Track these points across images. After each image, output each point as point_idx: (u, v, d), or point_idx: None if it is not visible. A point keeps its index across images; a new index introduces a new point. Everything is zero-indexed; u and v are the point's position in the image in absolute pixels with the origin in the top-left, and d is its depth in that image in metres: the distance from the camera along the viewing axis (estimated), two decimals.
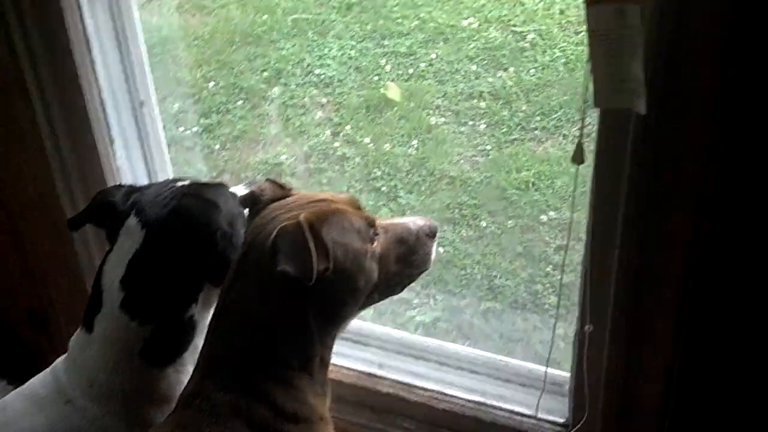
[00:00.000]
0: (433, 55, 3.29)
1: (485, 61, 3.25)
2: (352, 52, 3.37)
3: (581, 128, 1.07)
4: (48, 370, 1.36)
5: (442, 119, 3.12)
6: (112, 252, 1.31)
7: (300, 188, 1.30)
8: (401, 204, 2.83)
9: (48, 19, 1.42)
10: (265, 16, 3.54)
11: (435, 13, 3.43)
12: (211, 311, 1.28)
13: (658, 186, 1.12)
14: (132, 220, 1.30)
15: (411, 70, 3.27)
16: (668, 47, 0.99)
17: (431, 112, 3.14)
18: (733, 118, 1.03)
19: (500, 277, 2.63)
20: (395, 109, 3.14)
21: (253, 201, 1.26)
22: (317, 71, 3.32)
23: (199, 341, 1.29)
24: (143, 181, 1.62)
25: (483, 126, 3.07)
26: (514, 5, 3.40)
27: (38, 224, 1.65)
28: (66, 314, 1.74)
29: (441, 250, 2.67)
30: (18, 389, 1.36)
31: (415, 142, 3.04)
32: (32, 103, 1.45)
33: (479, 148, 3.02)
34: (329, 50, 3.39)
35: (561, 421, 1.49)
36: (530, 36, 3.28)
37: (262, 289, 1.16)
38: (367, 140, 3.04)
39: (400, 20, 3.43)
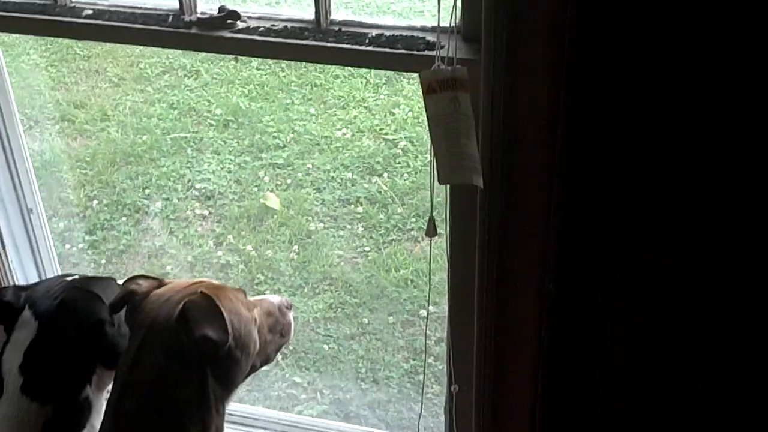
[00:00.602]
0: (310, 165, 3.50)
1: (360, 168, 3.48)
2: (231, 166, 3.54)
3: (431, 204, 1.26)
4: None
5: (321, 224, 3.30)
6: (9, 342, 1.42)
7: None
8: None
9: None
10: (145, 137, 3.69)
11: (309, 126, 3.66)
12: (105, 392, 1.40)
13: (507, 254, 1.32)
14: (26, 313, 1.41)
15: (289, 180, 3.46)
16: (503, 128, 1.20)
17: (310, 218, 3.32)
18: (565, 188, 1.23)
19: (384, 370, 2.77)
20: (275, 217, 3.31)
21: (130, 296, 1.38)
22: (198, 185, 3.47)
23: (96, 420, 1.39)
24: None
25: (361, 229, 3.26)
26: (385, 116, 3.67)
27: None
28: None
29: (326, 347, 2.82)
30: None
31: (296, 247, 3.20)
32: None
33: (358, 249, 3.20)
34: (208, 165, 3.56)
35: None
36: (402, 143, 3.54)
37: (169, 362, 1.28)
38: (249, 247, 3.18)
39: (275, 134, 3.65)
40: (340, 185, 3.41)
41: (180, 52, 4.01)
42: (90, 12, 1.41)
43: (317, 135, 3.61)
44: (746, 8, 1.04)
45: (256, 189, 3.44)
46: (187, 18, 1.36)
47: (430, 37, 1.26)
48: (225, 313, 1.27)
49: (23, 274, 1.70)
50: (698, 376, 1.33)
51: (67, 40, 4.02)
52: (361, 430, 1.95)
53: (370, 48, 1.28)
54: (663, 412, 1.37)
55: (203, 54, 3.96)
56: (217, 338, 1.26)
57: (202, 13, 1.36)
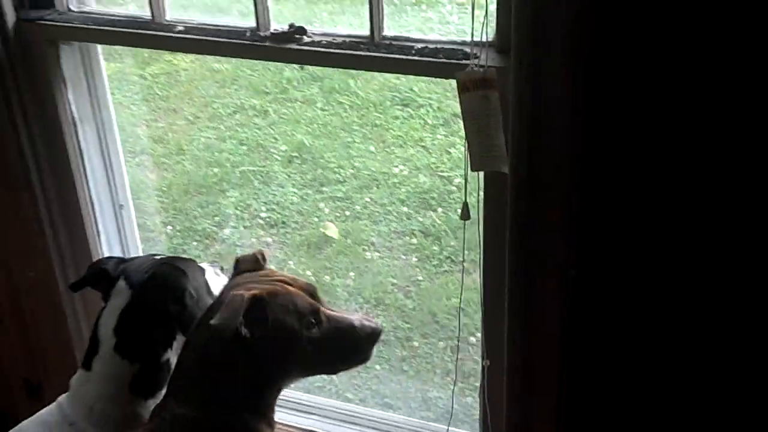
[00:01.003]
0: (368, 199, 3.75)
1: (415, 203, 3.71)
2: (294, 198, 3.82)
3: (464, 189, 1.49)
4: (53, 404, 1.68)
5: (377, 254, 3.53)
6: (105, 308, 1.67)
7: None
8: None
9: (52, 136, 1.83)
10: (216, 169, 3.99)
11: (368, 162, 3.92)
12: None
13: (532, 237, 1.53)
14: (121, 283, 1.66)
15: (348, 212, 3.71)
16: (528, 120, 1.43)
17: (367, 248, 3.56)
18: (587, 177, 1.44)
19: (433, 391, 2.96)
20: (334, 245, 3.55)
21: (235, 267, 1.62)
22: (263, 215, 3.75)
23: None
24: None
25: (415, 259, 3.48)
26: (441, 155, 3.91)
27: (39, 302, 2.00)
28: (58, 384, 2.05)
29: (378, 367, 3.02)
30: (29, 419, 1.68)
31: (352, 273, 3.43)
32: (37, 200, 1.84)
33: (412, 279, 3.42)
34: (273, 196, 3.84)
35: None
36: (457, 180, 3.76)
37: (208, 339, 1.49)
38: (309, 273, 3.43)
39: (336, 169, 3.92)
40: (396, 218, 3.64)
41: (252, 92, 4.35)
42: (182, 28, 1.69)
43: (376, 171, 3.86)
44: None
45: (316, 219, 3.70)
46: (262, 33, 1.63)
47: (468, 49, 1.50)
48: (240, 315, 1.42)
49: None
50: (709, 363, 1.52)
51: (148, 81, 4.39)
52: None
53: (416, 58, 1.53)
54: (677, 382, 1.56)
55: (272, 95, 4.29)
56: (220, 326, 1.42)
57: (274, 30, 1.63)
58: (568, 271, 1.51)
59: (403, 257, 3.52)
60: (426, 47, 1.54)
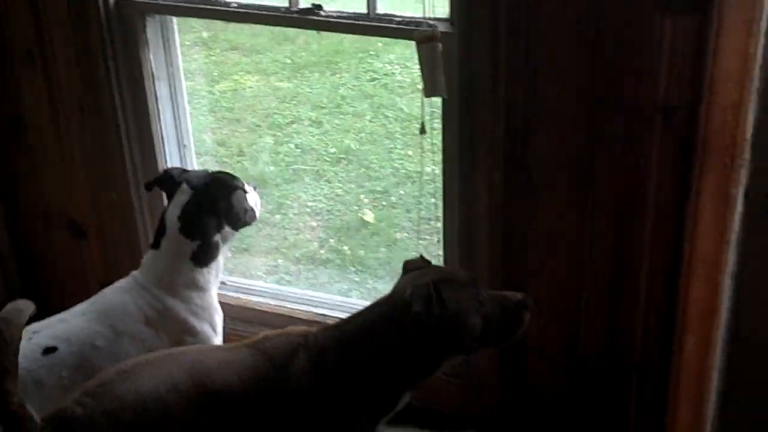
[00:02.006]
0: (402, 192, 4.46)
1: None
2: (339, 191, 4.54)
3: (422, 111, 2.19)
4: (128, 276, 2.36)
5: (406, 235, 4.22)
6: (170, 204, 2.35)
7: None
8: (369, 288, 3.85)
9: (137, 86, 2.60)
10: (272, 168, 4.74)
11: (406, 164, 4.63)
12: (228, 244, 2.37)
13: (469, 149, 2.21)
14: (184, 185, 2.35)
15: (384, 203, 4.42)
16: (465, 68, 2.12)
17: (398, 231, 4.25)
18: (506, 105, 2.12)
19: None
20: (369, 228, 4.25)
21: (404, 268, 2.00)
22: (310, 204, 4.48)
23: (221, 258, 2.36)
24: None
25: (437, 240, 4.14)
26: None
27: (116, 219, 2.74)
28: None
29: None
30: (109, 287, 2.37)
31: (383, 249, 4.12)
32: (121, 134, 2.60)
33: (433, 254, 4.08)
34: (321, 190, 4.57)
35: None
36: None
37: (388, 317, 1.83)
38: (345, 248, 4.13)
39: (377, 169, 4.64)
40: (425, 208, 4.33)
41: (309, 106, 5.14)
42: (236, 5, 2.44)
43: (411, 170, 4.57)
44: None
45: (356, 208, 4.41)
46: (293, 8, 2.37)
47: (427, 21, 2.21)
48: (434, 298, 1.75)
49: None
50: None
51: (216, 96, 5.23)
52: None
53: (394, 26, 2.24)
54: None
55: (327, 109, 5.07)
56: (423, 313, 1.75)
57: (301, 7, 2.37)
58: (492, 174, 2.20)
59: (428, 237, 4.19)
60: (402, 19, 2.26)
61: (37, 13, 2.53)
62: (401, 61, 5.37)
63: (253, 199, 2.47)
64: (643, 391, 2.35)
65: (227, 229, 2.39)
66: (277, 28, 5.33)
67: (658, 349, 2.26)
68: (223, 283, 2.87)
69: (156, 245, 2.37)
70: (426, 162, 4.49)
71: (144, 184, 2.49)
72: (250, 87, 5.43)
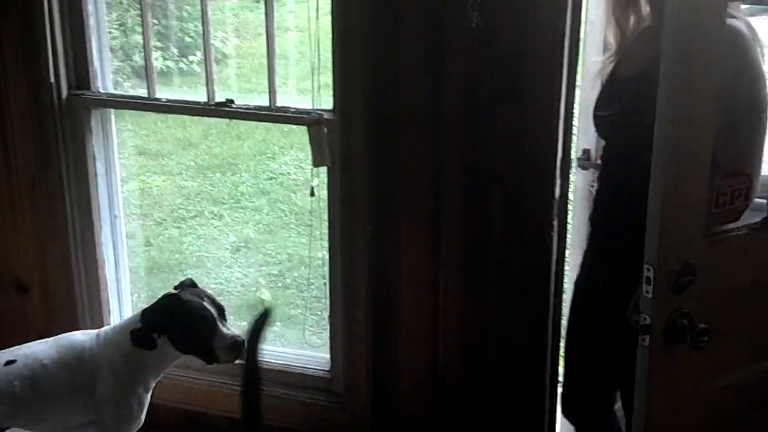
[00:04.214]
0: (296, 274, 5.23)
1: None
2: (239, 275, 5.29)
3: (311, 177, 3.01)
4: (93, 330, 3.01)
5: (299, 312, 4.97)
6: None
7: None
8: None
9: (81, 165, 3.35)
10: (177, 255, 5.48)
11: (300, 250, 5.43)
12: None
13: (346, 202, 3.03)
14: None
15: (279, 284, 5.18)
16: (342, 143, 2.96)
17: (291, 308, 5.00)
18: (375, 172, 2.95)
19: None
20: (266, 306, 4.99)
21: None
22: (212, 286, 5.21)
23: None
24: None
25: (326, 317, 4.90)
26: None
27: (58, 276, 3.44)
28: None
29: None
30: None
31: (278, 323, 4.86)
32: (66, 207, 3.34)
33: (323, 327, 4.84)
34: (222, 274, 5.31)
35: None
36: None
37: None
38: (244, 323, 4.85)
39: (273, 255, 5.42)
40: (316, 288, 5.10)
41: (211, 202, 5.92)
42: (164, 100, 3.25)
43: (304, 256, 5.36)
44: None
45: (254, 289, 5.16)
46: (211, 102, 3.19)
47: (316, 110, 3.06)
48: None
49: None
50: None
51: (125, 194, 5.95)
52: None
53: (292, 115, 3.08)
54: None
55: (228, 204, 5.84)
56: None
57: (217, 101, 3.18)
58: (367, 227, 3.01)
59: (319, 313, 4.95)
60: (297, 110, 3.10)
61: (0, 101, 3.28)
62: (295, 162, 6.25)
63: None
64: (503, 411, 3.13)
65: (165, 338, 2.81)
66: (182, 134, 6.18)
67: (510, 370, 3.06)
68: None
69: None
70: (315, 247, 5.33)
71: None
72: (157, 186, 6.20)
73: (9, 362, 2.84)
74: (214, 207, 5.97)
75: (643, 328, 2.02)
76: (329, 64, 2.98)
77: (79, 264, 3.44)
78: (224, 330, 2.80)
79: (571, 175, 2.87)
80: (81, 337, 2.96)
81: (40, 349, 2.91)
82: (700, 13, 1.91)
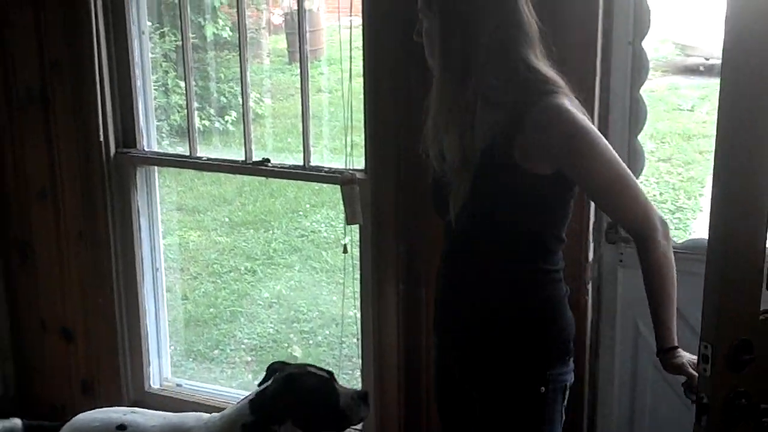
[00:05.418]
0: (327, 332, 5.43)
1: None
2: (271, 330, 5.50)
3: (345, 235, 3.22)
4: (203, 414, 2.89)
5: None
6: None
7: None
8: None
9: (127, 222, 3.60)
10: (212, 309, 5.69)
11: (330, 308, 5.64)
12: None
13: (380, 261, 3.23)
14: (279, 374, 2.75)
15: (311, 341, 5.37)
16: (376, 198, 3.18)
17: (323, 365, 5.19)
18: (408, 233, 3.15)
19: None
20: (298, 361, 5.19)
21: None
22: (246, 341, 5.41)
23: None
24: None
25: (357, 375, 5.08)
26: None
27: (100, 323, 3.67)
28: (106, 384, 3.68)
29: None
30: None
31: None
32: (111, 258, 3.58)
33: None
34: (255, 329, 5.52)
35: None
36: None
37: None
38: None
39: (305, 312, 5.62)
40: (348, 347, 5.30)
41: (244, 258, 6.15)
42: (206, 158, 3.49)
43: (336, 314, 5.56)
44: None
45: (286, 345, 5.36)
46: (248, 161, 3.42)
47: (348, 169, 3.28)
48: None
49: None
50: None
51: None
52: None
53: (326, 174, 3.30)
54: None
55: (260, 261, 6.07)
56: None
57: (254, 160, 3.42)
58: (399, 286, 3.21)
59: (350, 372, 5.14)
60: (330, 169, 3.32)
61: (52, 159, 3.55)
62: (327, 220, 6.49)
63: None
64: None
65: (289, 424, 2.63)
66: (218, 191, 6.45)
67: None
68: (179, 385, 3.82)
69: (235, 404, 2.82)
70: (347, 305, 5.53)
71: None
72: (193, 241, 6.46)
73: (120, 427, 2.90)
74: (248, 263, 6.21)
75: (701, 408, 1.98)
76: (361, 124, 3.19)
77: (122, 314, 3.66)
78: (342, 388, 2.71)
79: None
80: (191, 422, 2.87)
81: (150, 424, 2.93)
82: None
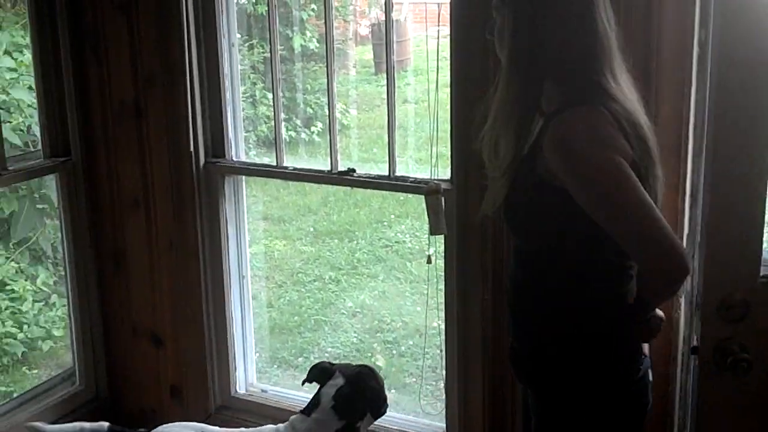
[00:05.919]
0: (411, 342, 5.47)
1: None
2: (354, 340, 5.56)
3: (428, 246, 3.24)
4: (272, 425, 3.01)
5: (414, 380, 5.18)
6: (325, 386, 2.94)
7: None
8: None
9: (215, 232, 3.69)
10: (296, 317, 5.78)
11: (414, 318, 5.67)
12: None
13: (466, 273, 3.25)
14: (338, 374, 2.96)
15: (394, 351, 5.42)
16: (459, 212, 3.20)
17: (406, 376, 5.22)
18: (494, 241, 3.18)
19: None
20: (381, 373, 5.24)
21: None
22: (329, 350, 5.48)
23: None
24: None
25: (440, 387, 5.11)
26: None
27: (189, 331, 3.77)
28: (194, 389, 3.78)
29: None
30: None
31: (393, 391, 5.08)
32: (200, 267, 3.67)
33: (438, 398, 5.05)
34: (338, 338, 5.58)
35: None
36: None
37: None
38: None
39: (389, 322, 5.67)
40: (431, 358, 5.33)
41: (329, 267, 6.23)
42: (292, 168, 3.56)
43: (419, 324, 5.60)
44: None
45: (369, 355, 5.42)
46: (333, 171, 3.48)
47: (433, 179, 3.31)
48: None
49: None
50: None
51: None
52: None
53: (411, 184, 3.34)
54: None
55: (344, 270, 6.15)
56: None
57: (340, 170, 3.48)
58: (484, 297, 3.23)
59: (433, 383, 5.17)
60: (415, 179, 3.36)
61: (145, 170, 3.66)
62: (411, 231, 6.55)
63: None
64: None
65: (368, 416, 3.01)
66: (303, 200, 6.54)
67: None
68: (264, 391, 3.90)
69: (307, 413, 2.97)
70: (431, 316, 5.56)
71: (302, 381, 3.13)
72: (278, 250, 6.57)
73: None
74: (332, 272, 6.29)
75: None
76: (447, 135, 3.22)
77: (210, 321, 3.75)
78: None
79: None
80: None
81: None
82: None
